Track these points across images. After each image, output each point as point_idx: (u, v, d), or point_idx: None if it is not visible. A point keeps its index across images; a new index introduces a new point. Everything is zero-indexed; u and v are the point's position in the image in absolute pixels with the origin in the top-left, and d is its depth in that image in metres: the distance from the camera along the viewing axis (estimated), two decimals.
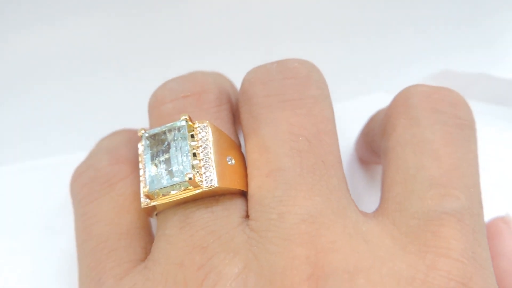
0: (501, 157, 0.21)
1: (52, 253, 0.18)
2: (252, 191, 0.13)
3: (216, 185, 0.13)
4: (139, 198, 0.15)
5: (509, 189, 0.20)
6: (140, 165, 0.14)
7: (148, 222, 0.15)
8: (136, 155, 0.16)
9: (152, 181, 0.13)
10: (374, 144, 0.17)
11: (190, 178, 0.12)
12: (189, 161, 0.13)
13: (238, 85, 0.16)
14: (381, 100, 0.20)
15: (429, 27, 0.27)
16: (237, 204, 0.13)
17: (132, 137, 0.16)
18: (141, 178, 0.14)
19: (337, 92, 0.16)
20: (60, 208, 0.18)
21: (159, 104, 0.15)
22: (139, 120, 0.18)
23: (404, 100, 0.15)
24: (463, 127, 0.14)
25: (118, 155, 0.15)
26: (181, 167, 0.13)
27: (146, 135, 0.14)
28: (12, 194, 0.20)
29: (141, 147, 0.14)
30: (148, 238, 0.15)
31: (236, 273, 0.12)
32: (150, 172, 0.13)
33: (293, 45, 0.26)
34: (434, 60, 0.26)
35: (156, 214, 0.14)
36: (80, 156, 0.17)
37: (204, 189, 0.13)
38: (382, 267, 0.12)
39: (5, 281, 0.18)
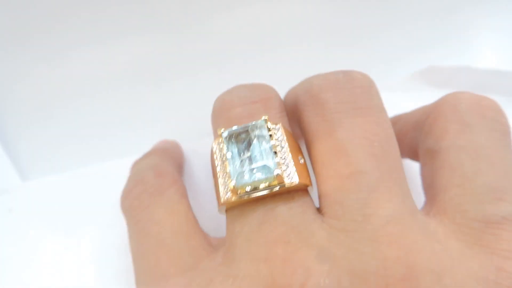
0: None
1: (110, 248, 0.20)
2: (328, 191, 0.13)
3: (297, 181, 0.13)
4: (184, 202, 0.16)
5: None
6: (216, 162, 0.14)
7: (196, 221, 0.16)
8: (174, 168, 0.17)
9: (238, 177, 0.13)
10: (405, 141, 0.18)
11: (278, 174, 0.13)
12: (273, 158, 0.13)
13: None
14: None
15: (413, 27, 0.30)
16: (308, 201, 0.14)
17: (163, 155, 0.18)
18: (218, 175, 0.14)
19: None
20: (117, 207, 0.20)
21: (229, 108, 0.15)
22: (175, 129, 0.22)
23: (453, 106, 0.15)
24: (506, 133, 0.15)
25: (160, 169, 0.17)
26: (266, 164, 0.13)
27: (226, 134, 0.14)
28: (73, 196, 0.21)
29: (216, 145, 0.14)
30: (201, 235, 0.15)
31: (327, 270, 0.12)
32: (234, 168, 0.13)
33: (282, 49, 0.29)
34: (420, 57, 0.29)
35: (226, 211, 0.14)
36: (130, 160, 0.19)
37: (286, 185, 0.13)
38: (461, 267, 0.12)
39: (67, 274, 0.19)
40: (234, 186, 0.13)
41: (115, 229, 0.20)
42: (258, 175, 0.13)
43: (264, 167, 0.13)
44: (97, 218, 0.20)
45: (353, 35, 0.30)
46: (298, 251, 0.12)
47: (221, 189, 0.14)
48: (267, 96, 0.16)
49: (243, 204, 0.14)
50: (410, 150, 0.17)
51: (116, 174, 0.20)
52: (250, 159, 0.14)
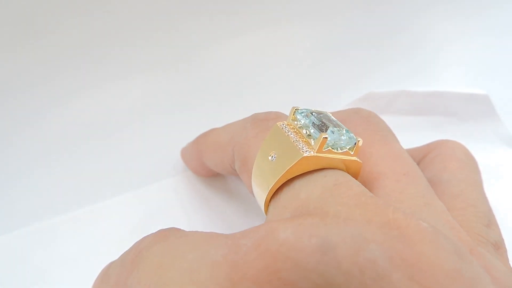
0: None
1: None
2: (385, 182, 0.15)
3: (361, 162, 0.15)
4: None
5: None
6: (288, 134, 0.15)
7: None
8: None
9: (330, 135, 0.14)
10: None
11: (358, 140, 0.15)
12: (351, 133, 0.15)
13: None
14: None
15: (353, 54, 0.27)
16: None
17: None
18: (294, 142, 0.15)
19: None
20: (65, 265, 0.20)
21: (265, 119, 0.17)
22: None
23: (451, 148, 0.19)
24: (481, 177, 0.19)
25: None
26: (347, 136, 0.15)
27: (302, 110, 0.16)
28: (22, 254, 0.21)
29: (283, 125, 0.15)
30: None
31: (418, 219, 0.12)
32: (316, 132, 0.15)
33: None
34: (360, 84, 0.27)
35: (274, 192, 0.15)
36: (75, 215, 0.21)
37: (355, 159, 0.15)
38: (494, 264, 0.13)
39: None
40: (325, 137, 0.14)
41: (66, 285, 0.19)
42: (343, 138, 0.15)
43: (348, 136, 0.15)
44: (48, 277, 0.20)
45: (298, 61, 0.29)
46: (386, 203, 0.13)
47: (299, 147, 0.14)
48: (282, 115, 0.18)
49: (311, 172, 0.14)
50: None
51: (65, 230, 0.21)
52: (332, 127, 0.15)
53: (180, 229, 0.15)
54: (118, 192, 0.22)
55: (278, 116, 0.17)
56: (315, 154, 0.14)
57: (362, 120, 0.18)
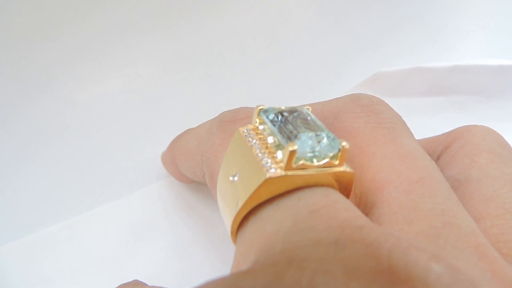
0: None
1: None
2: (391, 194, 0.12)
3: (352, 171, 0.12)
4: None
5: None
6: (250, 144, 0.12)
7: None
8: None
9: (301, 146, 0.11)
10: None
11: (344, 145, 0.11)
12: (333, 136, 0.12)
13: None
14: None
15: (357, 26, 0.25)
16: None
17: None
18: (257, 154, 0.12)
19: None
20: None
21: (233, 120, 0.15)
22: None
23: (481, 136, 0.16)
24: None
25: None
26: (329, 140, 0.12)
27: (269, 111, 0.13)
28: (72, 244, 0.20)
29: (245, 131, 0.13)
30: None
31: (429, 254, 0.10)
32: (284, 139, 0.12)
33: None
34: (366, 63, 0.24)
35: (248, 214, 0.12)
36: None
37: (343, 170, 0.12)
38: None
39: None
40: (293, 150, 0.11)
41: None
42: (323, 143, 0.11)
43: (330, 139, 0.12)
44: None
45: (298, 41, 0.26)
46: (379, 237, 0.10)
47: (263, 163, 0.11)
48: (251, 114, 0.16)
49: (284, 195, 0.12)
50: None
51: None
52: (307, 131, 0.12)
53: (140, 283, 0.14)
54: (99, 202, 0.21)
55: (248, 115, 0.15)
56: (283, 173, 0.11)
57: (362, 109, 0.15)
